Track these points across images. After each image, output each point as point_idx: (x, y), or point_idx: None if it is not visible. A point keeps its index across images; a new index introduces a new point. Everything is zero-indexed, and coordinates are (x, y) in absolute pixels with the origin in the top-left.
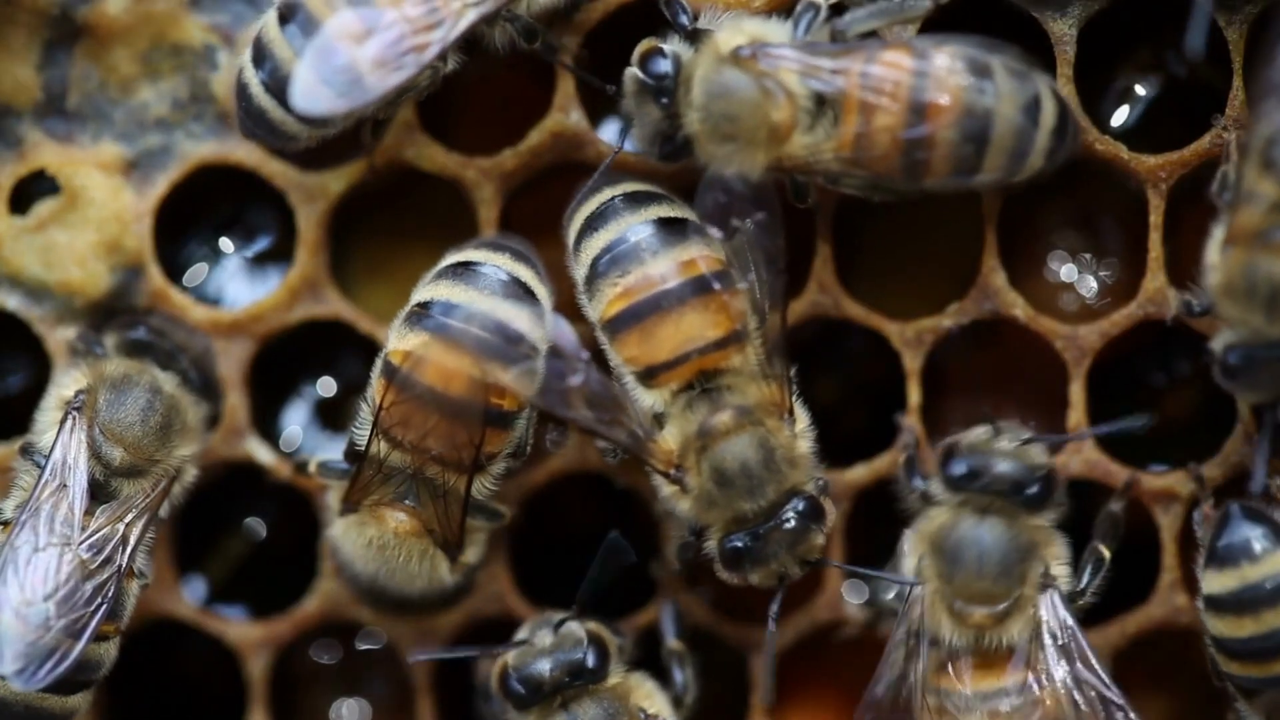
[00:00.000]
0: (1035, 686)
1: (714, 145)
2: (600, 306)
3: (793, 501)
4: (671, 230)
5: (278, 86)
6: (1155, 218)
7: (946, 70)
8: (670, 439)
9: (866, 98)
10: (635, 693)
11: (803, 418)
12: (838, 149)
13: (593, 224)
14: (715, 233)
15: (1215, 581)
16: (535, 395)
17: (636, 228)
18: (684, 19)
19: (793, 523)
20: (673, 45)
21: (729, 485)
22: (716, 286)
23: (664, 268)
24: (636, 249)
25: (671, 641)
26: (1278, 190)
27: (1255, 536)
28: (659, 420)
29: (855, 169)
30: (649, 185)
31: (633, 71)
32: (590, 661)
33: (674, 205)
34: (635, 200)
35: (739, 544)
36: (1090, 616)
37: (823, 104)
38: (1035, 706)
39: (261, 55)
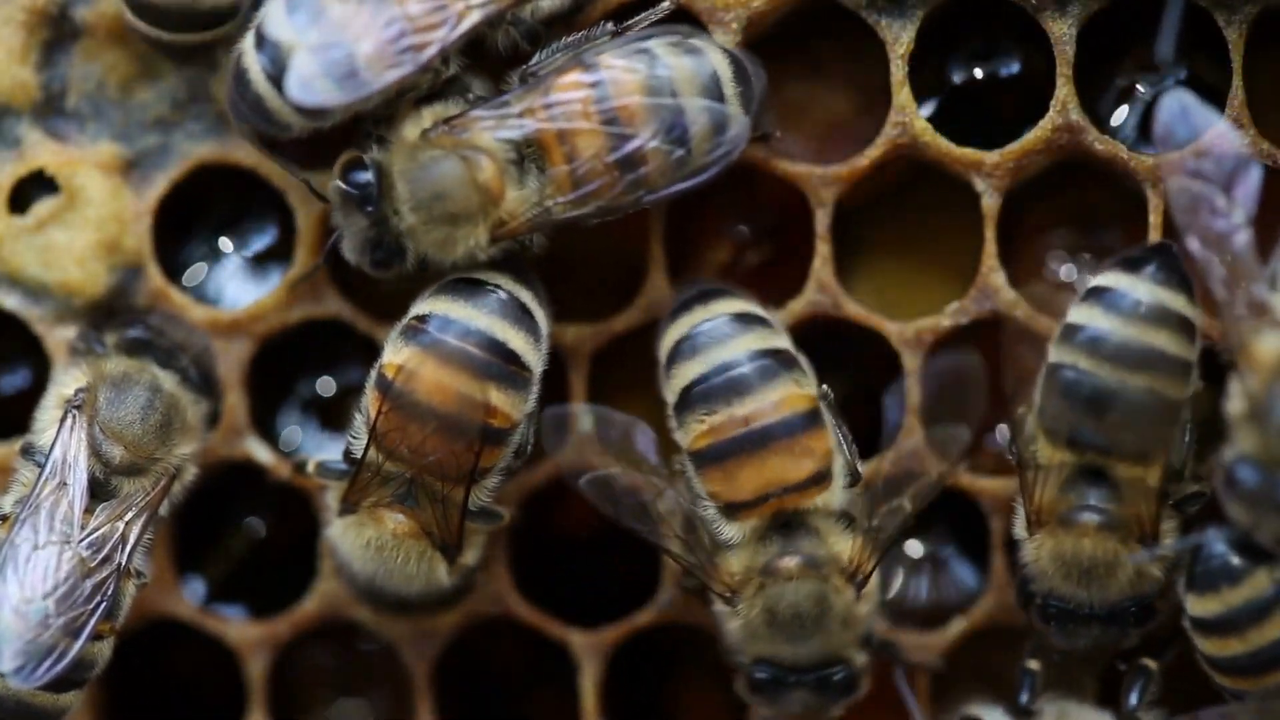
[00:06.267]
0: None
1: (433, 232)
2: (687, 437)
3: (834, 669)
4: (765, 365)
5: (278, 74)
6: (1155, 218)
7: (620, 70)
8: (735, 563)
9: (559, 126)
10: None
11: (874, 581)
12: (557, 192)
13: (684, 349)
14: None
15: (1198, 606)
16: (611, 507)
17: (729, 361)
18: (371, 130)
19: (822, 691)
20: (371, 154)
21: (775, 628)
22: (803, 428)
23: (752, 408)
24: (727, 386)
25: None
26: (1068, 456)
27: (1232, 559)
28: (725, 542)
29: (582, 207)
30: (745, 303)
31: (335, 185)
32: None
33: (769, 332)
34: (731, 327)
35: (763, 677)
36: None
37: (523, 156)
38: None
39: (264, 41)
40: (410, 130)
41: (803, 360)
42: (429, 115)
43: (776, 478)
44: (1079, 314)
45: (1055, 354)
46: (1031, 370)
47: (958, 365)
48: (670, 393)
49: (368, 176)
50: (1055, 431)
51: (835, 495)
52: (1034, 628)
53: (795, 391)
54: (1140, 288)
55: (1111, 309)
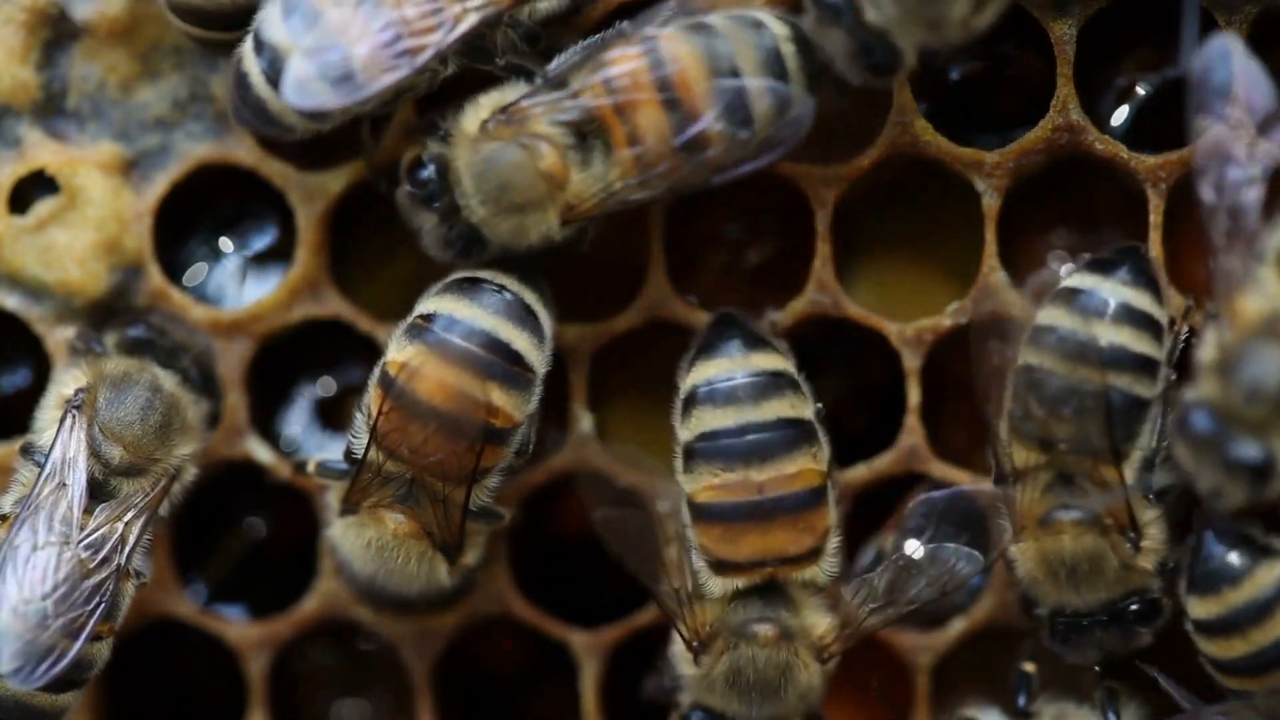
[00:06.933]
0: None
1: (504, 222)
2: (693, 485)
3: None
4: (790, 435)
5: (277, 77)
6: (1155, 218)
7: (674, 41)
8: (710, 613)
9: (617, 100)
10: None
11: (836, 662)
12: (624, 175)
13: (713, 396)
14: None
15: (1199, 608)
16: (615, 542)
17: (757, 423)
18: (439, 123)
19: None
20: (431, 149)
21: (735, 688)
22: (810, 505)
23: (769, 476)
24: (749, 450)
25: None
26: (1039, 457)
27: (1232, 559)
28: (704, 593)
29: (650, 189)
30: (781, 358)
31: (402, 189)
32: None
33: (799, 398)
34: (765, 387)
35: None
36: None
37: (584, 136)
38: None
39: (262, 45)
40: (470, 122)
41: (821, 431)
42: (486, 105)
43: (776, 548)
44: (1047, 315)
45: (1024, 356)
46: (1000, 368)
47: (977, 497)
48: (685, 430)
49: (429, 173)
50: (1025, 433)
51: (823, 570)
52: (1032, 634)
53: (811, 466)
54: (1106, 287)
55: (1078, 310)
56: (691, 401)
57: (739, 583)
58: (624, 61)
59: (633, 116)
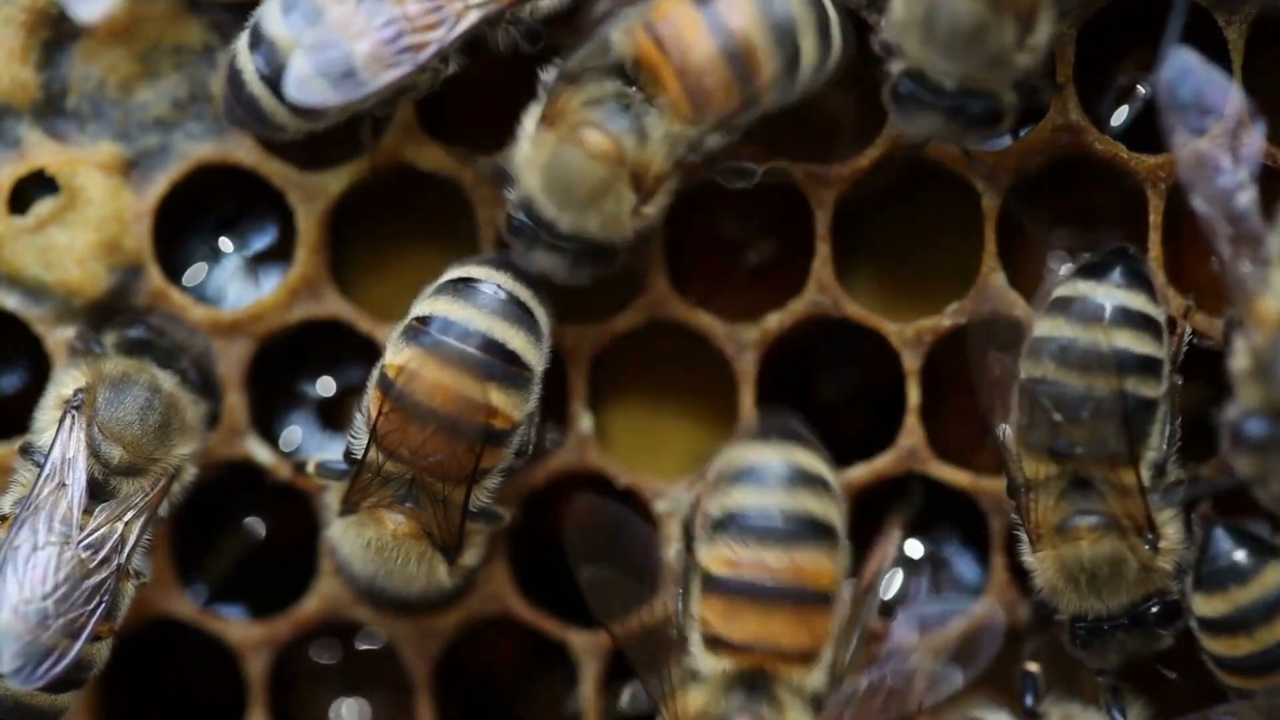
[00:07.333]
0: None
1: (589, 220)
2: (709, 555)
3: None
4: (815, 529)
5: (273, 74)
6: (1155, 218)
7: None
8: (693, 701)
9: (658, 34)
10: None
11: None
12: (679, 116)
13: (753, 477)
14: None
15: (1206, 605)
16: (602, 609)
17: (787, 509)
18: (502, 167)
19: None
20: (511, 198)
21: None
22: (815, 604)
23: (784, 563)
24: (772, 532)
25: None
26: (1052, 468)
27: (1240, 557)
28: (692, 674)
29: (701, 123)
30: (826, 465)
31: (517, 250)
32: None
33: (834, 502)
34: (794, 481)
35: None
36: None
37: (626, 104)
38: None
39: (259, 42)
40: (524, 148)
41: (845, 542)
42: (529, 124)
43: (771, 636)
44: (1044, 326)
45: (1025, 369)
46: (1002, 379)
47: (985, 620)
48: (713, 503)
49: (521, 218)
50: (1033, 444)
51: (812, 680)
52: (1038, 635)
53: (827, 566)
54: (1101, 292)
55: (1075, 317)
56: (731, 478)
57: (727, 664)
58: (667, 3)
59: (680, 50)
